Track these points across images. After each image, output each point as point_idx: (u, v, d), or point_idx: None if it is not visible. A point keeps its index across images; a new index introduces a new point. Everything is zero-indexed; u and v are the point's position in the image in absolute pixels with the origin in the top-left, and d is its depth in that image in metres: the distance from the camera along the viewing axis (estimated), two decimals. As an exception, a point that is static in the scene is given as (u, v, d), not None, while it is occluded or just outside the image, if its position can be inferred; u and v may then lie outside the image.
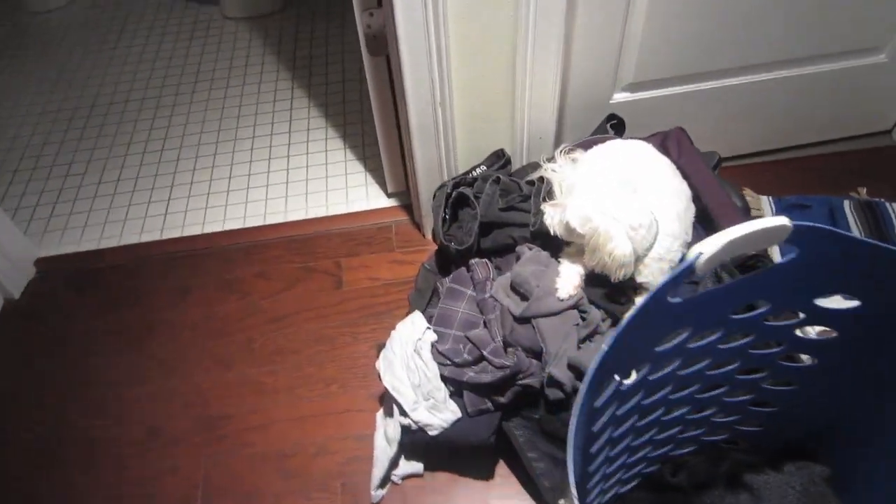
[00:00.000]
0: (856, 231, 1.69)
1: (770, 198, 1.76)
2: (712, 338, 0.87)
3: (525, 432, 1.33)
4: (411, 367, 1.33)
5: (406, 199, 1.96)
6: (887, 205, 1.70)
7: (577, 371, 1.22)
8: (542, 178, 1.46)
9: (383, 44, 1.55)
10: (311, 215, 1.95)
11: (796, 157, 1.91)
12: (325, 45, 2.56)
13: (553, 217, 1.24)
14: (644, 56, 1.56)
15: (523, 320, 1.28)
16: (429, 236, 1.86)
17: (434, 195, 1.55)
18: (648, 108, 1.69)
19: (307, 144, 2.17)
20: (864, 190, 1.78)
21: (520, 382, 1.26)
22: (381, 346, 1.56)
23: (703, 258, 0.73)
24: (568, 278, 1.27)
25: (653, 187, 1.28)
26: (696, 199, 1.36)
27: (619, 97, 1.67)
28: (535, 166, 1.57)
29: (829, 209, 1.74)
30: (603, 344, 0.75)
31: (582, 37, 1.45)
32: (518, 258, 1.38)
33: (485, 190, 1.46)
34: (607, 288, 1.27)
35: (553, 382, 1.22)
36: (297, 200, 2.00)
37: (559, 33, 1.40)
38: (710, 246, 0.73)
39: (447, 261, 1.54)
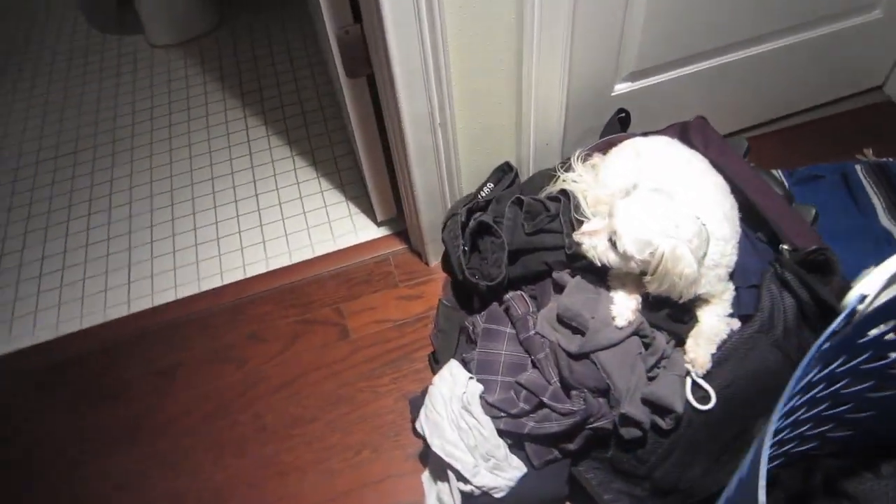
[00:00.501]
0: (873, 196, 1.64)
1: (780, 171, 1.69)
2: (858, 359, 0.77)
3: (597, 474, 1.21)
4: (463, 427, 1.19)
5: (398, 225, 1.80)
6: (898, 163, 1.66)
7: (653, 406, 1.10)
8: (564, 192, 1.34)
9: (363, 64, 1.38)
10: (297, 259, 1.77)
11: (798, 125, 1.85)
12: (271, 63, 2.34)
13: (597, 246, 1.11)
14: (645, 42, 1.45)
15: (580, 356, 1.15)
16: (433, 263, 1.71)
17: (444, 225, 1.39)
18: (650, 95, 1.59)
19: (275, 178, 1.97)
20: (871, 151, 1.74)
21: (591, 426, 1.13)
22: (408, 397, 1.41)
23: (867, 300, 0.62)
24: (624, 304, 1.15)
25: (692, 188, 1.17)
26: (735, 192, 1.26)
27: (621, 88, 1.55)
28: (548, 176, 1.44)
29: (843, 176, 1.69)
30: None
31: (583, 31, 1.32)
32: (558, 286, 1.25)
33: (505, 213, 1.32)
34: (668, 308, 1.15)
35: (628, 421, 1.11)
36: (278, 244, 1.81)
37: (565, 33, 1.27)
38: (873, 285, 0.62)
39: (467, 293, 1.40)
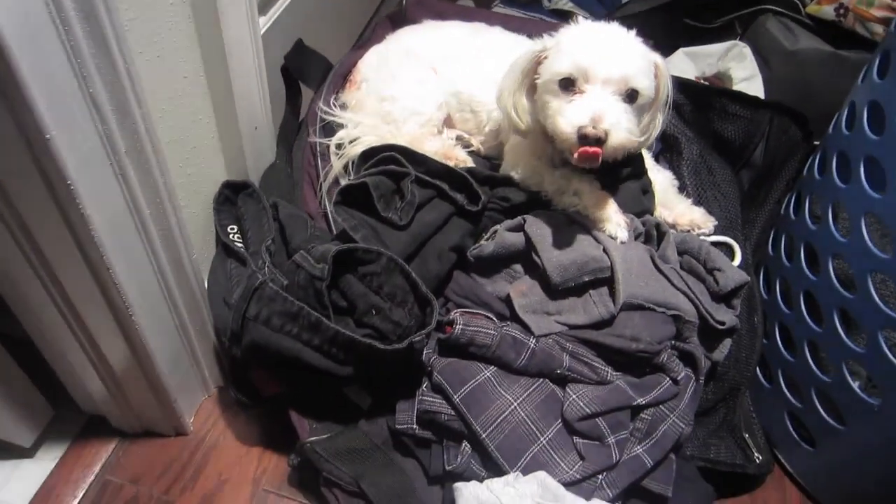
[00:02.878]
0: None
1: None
2: None
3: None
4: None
5: (74, 422, 0.91)
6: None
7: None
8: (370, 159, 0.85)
9: None
10: None
11: None
12: None
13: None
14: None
15: (630, 308, 0.77)
16: (198, 424, 0.93)
17: (247, 317, 0.72)
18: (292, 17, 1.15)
19: None
20: None
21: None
22: None
23: None
24: (610, 207, 0.80)
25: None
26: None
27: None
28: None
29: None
30: None
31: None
32: (500, 258, 0.79)
33: (344, 224, 0.75)
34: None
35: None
36: None
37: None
38: None
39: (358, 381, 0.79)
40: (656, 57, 0.79)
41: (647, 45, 0.78)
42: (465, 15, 1.07)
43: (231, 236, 0.84)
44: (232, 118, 0.85)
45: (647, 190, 0.87)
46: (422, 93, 0.90)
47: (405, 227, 0.76)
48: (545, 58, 0.77)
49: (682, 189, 0.93)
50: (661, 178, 0.91)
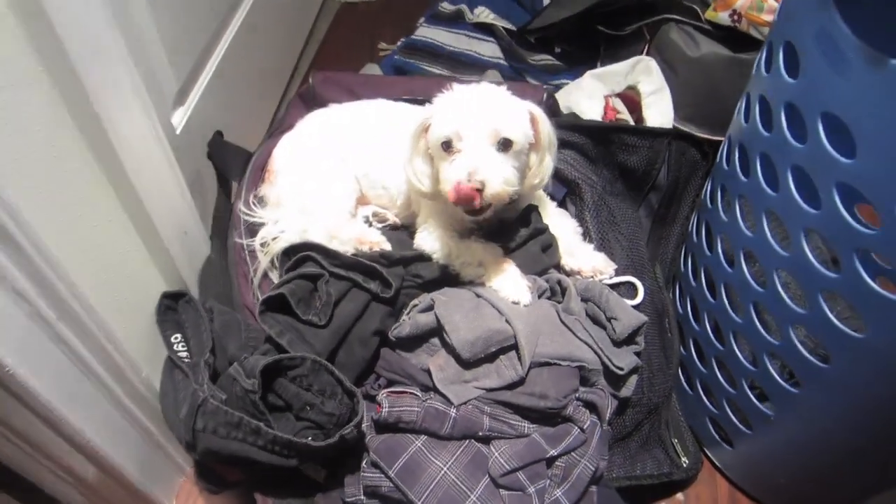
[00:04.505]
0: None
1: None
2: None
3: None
4: None
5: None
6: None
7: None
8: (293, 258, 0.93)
9: None
10: None
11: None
12: None
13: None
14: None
15: (538, 365, 0.86)
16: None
17: (199, 434, 0.82)
18: (209, 104, 1.22)
19: None
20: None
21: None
22: None
23: None
24: (511, 275, 0.90)
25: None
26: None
27: (178, 118, 1.13)
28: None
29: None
30: None
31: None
32: (415, 338, 0.89)
33: (271, 333, 0.84)
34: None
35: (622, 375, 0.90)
36: None
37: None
38: None
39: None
40: (531, 106, 0.87)
41: (519, 98, 0.86)
42: (371, 86, 1.13)
43: (175, 346, 0.93)
44: (150, 230, 0.92)
45: (549, 245, 0.96)
46: (332, 184, 0.98)
47: (326, 325, 0.85)
48: (429, 125, 0.85)
49: (585, 234, 1.01)
50: (564, 226, 1.00)
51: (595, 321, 0.93)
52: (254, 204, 1.02)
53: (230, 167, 1.11)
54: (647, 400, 0.99)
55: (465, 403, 0.85)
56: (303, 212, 0.99)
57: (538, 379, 0.86)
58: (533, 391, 0.85)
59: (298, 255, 0.92)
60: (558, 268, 0.98)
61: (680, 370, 1.12)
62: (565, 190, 1.06)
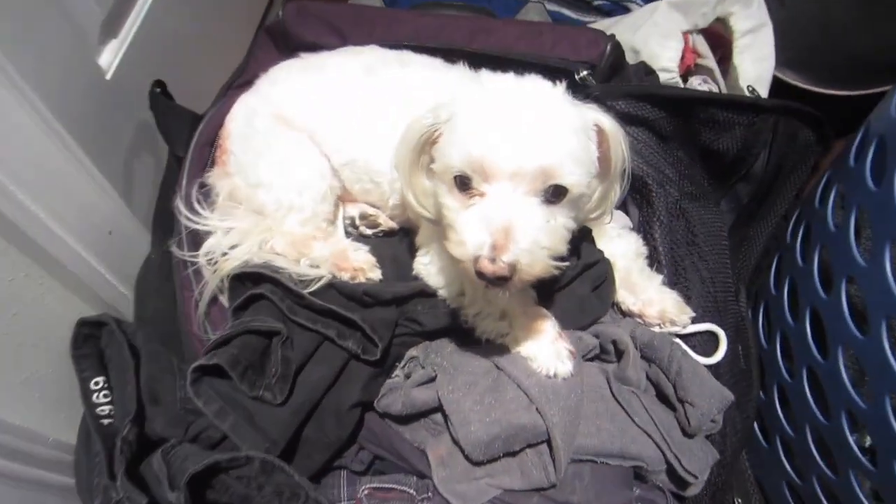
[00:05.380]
0: None
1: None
2: None
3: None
4: None
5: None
6: None
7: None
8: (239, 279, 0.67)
9: None
10: None
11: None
12: None
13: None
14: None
15: (576, 462, 0.63)
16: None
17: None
18: (153, 37, 0.91)
19: None
20: None
21: None
22: None
23: None
24: (543, 344, 0.63)
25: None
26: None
27: (108, 58, 0.83)
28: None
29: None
30: None
31: None
32: (412, 414, 0.65)
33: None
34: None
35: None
36: None
37: None
38: None
39: None
40: (599, 116, 0.57)
41: (583, 104, 0.56)
42: (363, 23, 0.81)
43: (95, 397, 0.70)
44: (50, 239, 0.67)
45: (603, 281, 0.68)
46: (298, 178, 0.70)
47: (283, 402, 0.61)
48: (439, 135, 0.57)
49: (652, 258, 0.73)
50: (623, 247, 0.72)
51: (659, 393, 0.67)
52: (198, 199, 0.75)
53: (173, 136, 0.83)
54: (714, 479, 0.75)
55: (475, 509, 0.62)
56: (261, 213, 0.72)
57: (577, 483, 0.62)
58: (569, 500, 0.62)
59: (249, 294, 0.66)
60: (611, 305, 0.72)
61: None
62: (626, 186, 0.77)
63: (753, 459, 0.91)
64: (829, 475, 0.74)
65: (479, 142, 0.52)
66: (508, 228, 0.51)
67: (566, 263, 0.55)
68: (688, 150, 0.82)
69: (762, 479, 0.89)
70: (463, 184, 0.54)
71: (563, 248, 0.54)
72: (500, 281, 0.51)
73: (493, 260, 0.50)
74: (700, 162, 0.83)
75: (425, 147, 0.59)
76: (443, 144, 0.56)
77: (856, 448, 0.69)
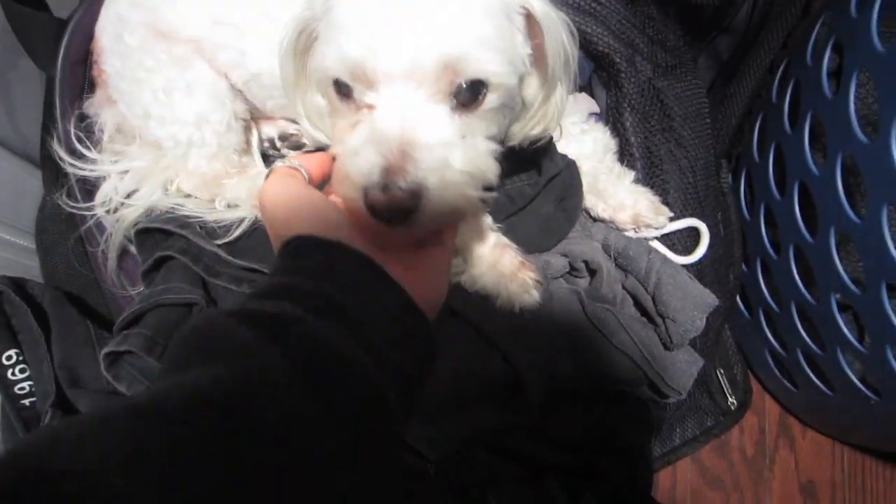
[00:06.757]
0: None
1: None
2: None
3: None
4: None
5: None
6: None
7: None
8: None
9: None
10: None
11: None
12: None
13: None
14: None
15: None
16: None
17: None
18: None
19: None
20: None
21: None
22: None
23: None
24: (503, 275, 0.56)
25: None
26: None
27: None
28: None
29: None
30: None
31: None
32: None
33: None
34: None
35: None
36: None
37: None
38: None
39: None
40: None
41: None
42: None
43: (11, 373, 0.63)
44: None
45: (567, 193, 0.59)
46: (193, 109, 0.57)
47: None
48: (316, 34, 0.44)
49: (623, 152, 0.64)
50: (589, 146, 0.62)
51: (637, 304, 0.62)
52: (79, 137, 0.61)
53: (35, 49, 0.67)
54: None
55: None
56: (159, 147, 0.60)
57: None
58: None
59: (158, 255, 0.56)
60: (581, 210, 0.64)
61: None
62: (591, 67, 0.65)
63: (735, 329, 0.89)
64: (815, 349, 0.72)
65: (357, 35, 0.39)
66: (405, 143, 0.38)
67: (493, 194, 0.43)
68: (660, 5, 0.69)
69: (744, 345, 0.88)
70: (346, 96, 0.41)
71: (489, 173, 0.42)
72: (399, 216, 0.39)
73: (385, 188, 0.38)
74: (675, 18, 0.70)
75: (304, 52, 0.46)
76: (319, 45, 0.43)
77: (846, 330, 0.66)
